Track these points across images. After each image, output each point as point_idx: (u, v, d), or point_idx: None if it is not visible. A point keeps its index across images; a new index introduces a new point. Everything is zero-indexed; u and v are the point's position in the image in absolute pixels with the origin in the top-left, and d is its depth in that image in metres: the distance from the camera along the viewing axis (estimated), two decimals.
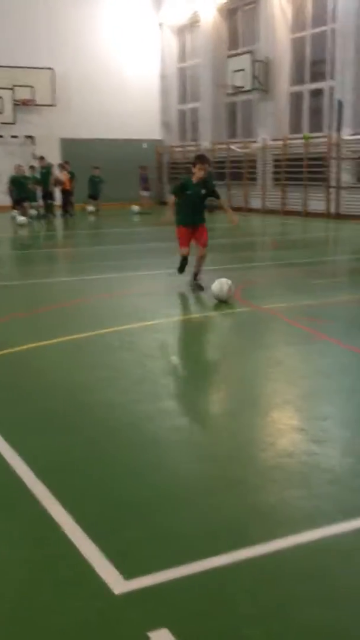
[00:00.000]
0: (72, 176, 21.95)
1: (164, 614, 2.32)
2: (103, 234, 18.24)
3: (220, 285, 7.74)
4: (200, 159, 8.37)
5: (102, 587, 2.48)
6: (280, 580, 2.55)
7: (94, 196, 22.95)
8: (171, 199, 8.63)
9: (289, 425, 4.18)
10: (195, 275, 8.64)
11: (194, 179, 8.37)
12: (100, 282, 9.73)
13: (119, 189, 24.54)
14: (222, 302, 7.69)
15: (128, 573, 2.55)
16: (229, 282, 7.77)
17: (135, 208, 23.28)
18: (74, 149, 25.77)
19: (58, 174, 22.10)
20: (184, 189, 8.39)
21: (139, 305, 8.03)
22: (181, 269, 8.89)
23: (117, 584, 2.49)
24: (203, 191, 8.43)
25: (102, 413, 4.41)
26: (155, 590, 2.45)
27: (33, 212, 21.03)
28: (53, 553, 2.76)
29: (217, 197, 8.74)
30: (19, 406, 4.59)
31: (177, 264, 8.93)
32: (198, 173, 8.28)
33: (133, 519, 3.02)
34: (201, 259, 8.60)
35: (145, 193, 23.67)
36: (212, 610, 2.36)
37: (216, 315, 7.40)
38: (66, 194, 22.14)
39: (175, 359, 5.61)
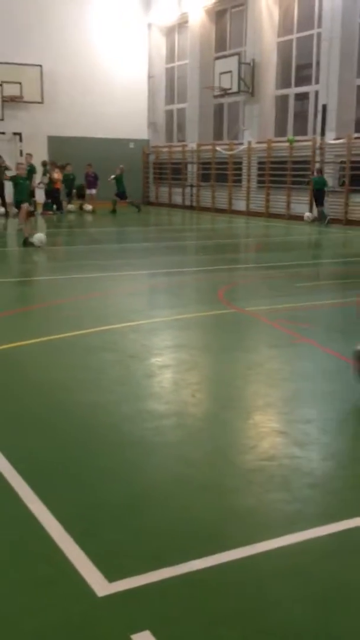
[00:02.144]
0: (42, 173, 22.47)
1: (146, 616, 2.34)
2: (83, 233, 18.20)
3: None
4: None
5: (85, 588, 2.49)
6: (259, 582, 2.58)
7: (69, 194, 23.67)
8: None
9: (270, 428, 4.21)
10: None
11: None
12: (84, 282, 9.72)
13: (105, 187, 24.46)
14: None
15: (111, 575, 2.57)
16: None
17: (88, 207, 23.40)
18: (61, 147, 25.71)
19: (54, 173, 22.42)
20: None
21: (122, 306, 8.04)
22: None
23: (100, 585, 2.51)
24: None
25: (83, 414, 4.42)
26: (137, 593, 2.47)
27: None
28: (36, 553, 2.77)
29: None
30: (1, 406, 4.58)
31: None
32: None
33: (114, 520, 3.03)
34: None
35: (92, 191, 23.89)
36: (191, 612, 2.38)
37: (199, 317, 7.43)
38: (57, 192, 22.46)
39: (157, 360, 5.63)
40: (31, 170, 21.56)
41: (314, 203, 19.88)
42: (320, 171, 19.55)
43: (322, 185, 19.27)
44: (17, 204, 14.47)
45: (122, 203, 23.54)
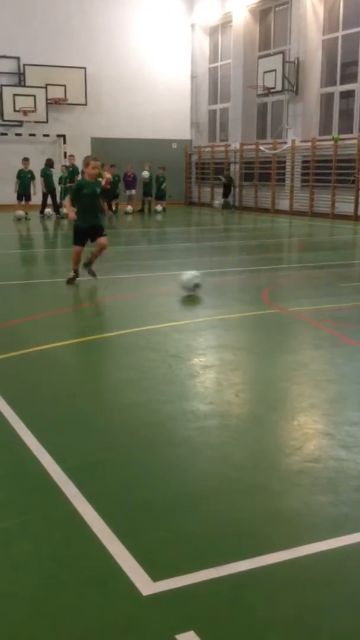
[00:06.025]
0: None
1: (191, 616, 2.33)
2: (126, 234, 18.31)
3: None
4: None
5: (130, 587, 2.50)
6: (304, 586, 2.54)
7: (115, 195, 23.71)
8: None
9: (315, 430, 4.16)
10: None
11: None
12: (127, 282, 9.77)
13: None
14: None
15: (155, 574, 2.57)
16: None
17: (129, 208, 23.51)
18: (105, 148, 25.92)
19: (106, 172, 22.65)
20: None
21: (165, 306, 8.06)
22: None
23: (145, 585, 2.51)
24: None
25: (126, 413, 4.44)
26: (181, 593, 2.47)
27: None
28: (81, 551, 2.79)
29: None
30: (45, 405, 4.63)
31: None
32: None
33: (158, 520, 3.04)
34: None
35: (131, 192, 24.20)
36: (236, 614, 2.37)
37: (242, 317, 7.39)
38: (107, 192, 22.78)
39: (201, 360, 5.62)
40: (74, 172, 21.75)
41: (223, 194, 24.76)
42: (228, 169, 25.29)
43: (230, 181, 24.70)
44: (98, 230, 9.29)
45: (137, 204, 23.91)
